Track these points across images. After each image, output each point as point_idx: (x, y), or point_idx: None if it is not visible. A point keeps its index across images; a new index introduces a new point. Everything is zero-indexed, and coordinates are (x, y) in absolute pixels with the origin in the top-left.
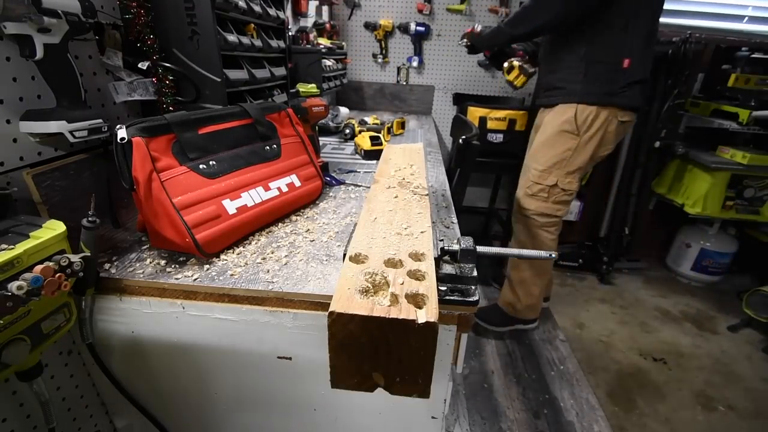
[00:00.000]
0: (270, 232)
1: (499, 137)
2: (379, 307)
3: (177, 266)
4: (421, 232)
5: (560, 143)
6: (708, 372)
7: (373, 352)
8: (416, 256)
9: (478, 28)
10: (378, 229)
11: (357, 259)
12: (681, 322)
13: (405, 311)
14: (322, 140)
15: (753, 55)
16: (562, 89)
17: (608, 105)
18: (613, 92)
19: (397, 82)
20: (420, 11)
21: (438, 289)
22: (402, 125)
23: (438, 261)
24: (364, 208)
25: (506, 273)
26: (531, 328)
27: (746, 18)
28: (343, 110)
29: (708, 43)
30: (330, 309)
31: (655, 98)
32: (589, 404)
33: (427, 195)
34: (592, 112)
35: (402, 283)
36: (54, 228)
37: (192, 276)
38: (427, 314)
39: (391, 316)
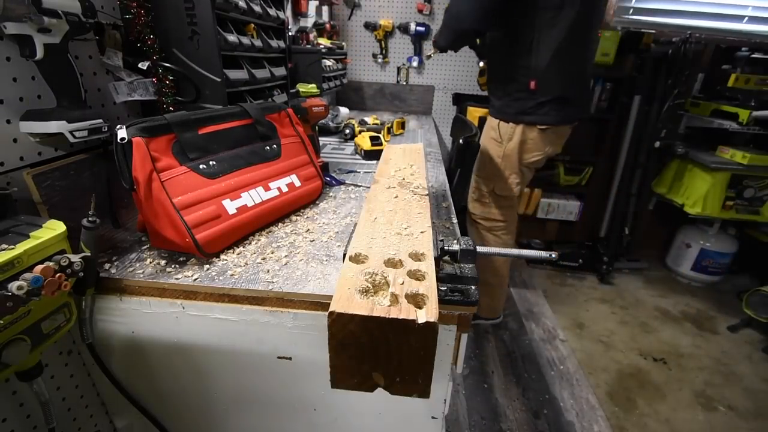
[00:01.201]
0: (270, 232)
1: None
2: (379, 307)
3: (177, 266)
4: (421, 232)
5: (491, 150)
6: (708, 372)
7: (373, 352)
8: (416, 256)
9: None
10: (378, 229)
11: (357, 259)
12: (681, 322)
13: (405, 311)
14: (322, 140)
15: (753, 55)
16: (490, 101)
17: (521, 122)
18: (524, 112)
19: (397, 82)
20: (420, 11)
21: (438, 289)
22: (402, 125)
23: (438, 261)
24: (364, 208)
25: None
26: (494, 323)
27: (746, 18)
28: (343, 110)
29: (708, 43)
30: (330, 309)
31: (655, 98)
32: (589, 404)
33: (427, 195)
34: (508, 126)
35: (402, 283)
36: (54, 228)
37: (192, 276)
38: (427, 314)
39: (391, 316)
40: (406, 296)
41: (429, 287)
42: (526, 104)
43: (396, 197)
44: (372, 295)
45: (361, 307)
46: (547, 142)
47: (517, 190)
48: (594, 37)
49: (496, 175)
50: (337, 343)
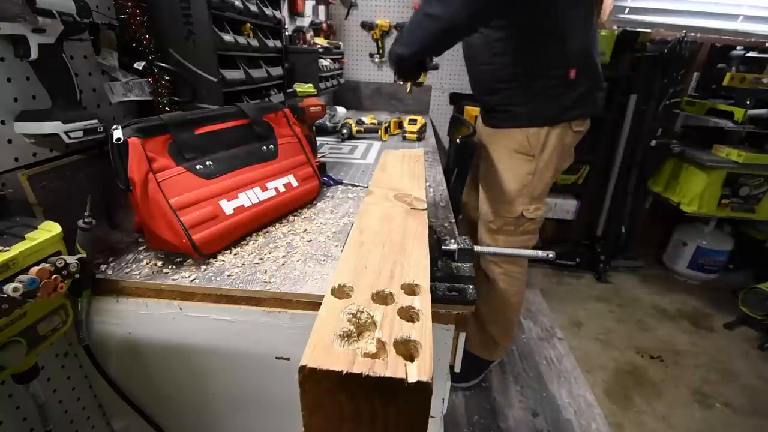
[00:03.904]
0: (267, 232)
1: None
2: (360, 360)
3: (174, 267)
4: (417, 257)
5: (517, 167)
6: (704, 369)
7: (354, 413)
8: (410, 289)
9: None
10: (368, 252)
11: (341, 291)
12: (677, 319)
13: (392, 366)
14: (320, 140)
15: (748, 54)
16: (505, 113)
17: (559, 123)
18: (563, 109)
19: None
20: None
21: (435, 289)
22: (399, 125)
23: (435, 260)
24: (354, 226)
25: (480, 310)
26: (495, 363)
27: (741, 17)
28: (341, 110)
29: (703, 42)
30: (301, 362)
31: (651, 97)
32: (587, 402)
33: (425, 210)
34: (542, 132)
35: (391, 325)
36: (50, 229)
37: (189, 277)
38: (419, 371)
39: (374, 374)
40: (395, 343)
41: (423, 331)
42: (565, 100)
43: (391, 212)
44: (355, 341)
45: (338, 360)
46: (575, 143)
47: (544, 209)
48: None
49: (525, 195)
50: (310, 402)
